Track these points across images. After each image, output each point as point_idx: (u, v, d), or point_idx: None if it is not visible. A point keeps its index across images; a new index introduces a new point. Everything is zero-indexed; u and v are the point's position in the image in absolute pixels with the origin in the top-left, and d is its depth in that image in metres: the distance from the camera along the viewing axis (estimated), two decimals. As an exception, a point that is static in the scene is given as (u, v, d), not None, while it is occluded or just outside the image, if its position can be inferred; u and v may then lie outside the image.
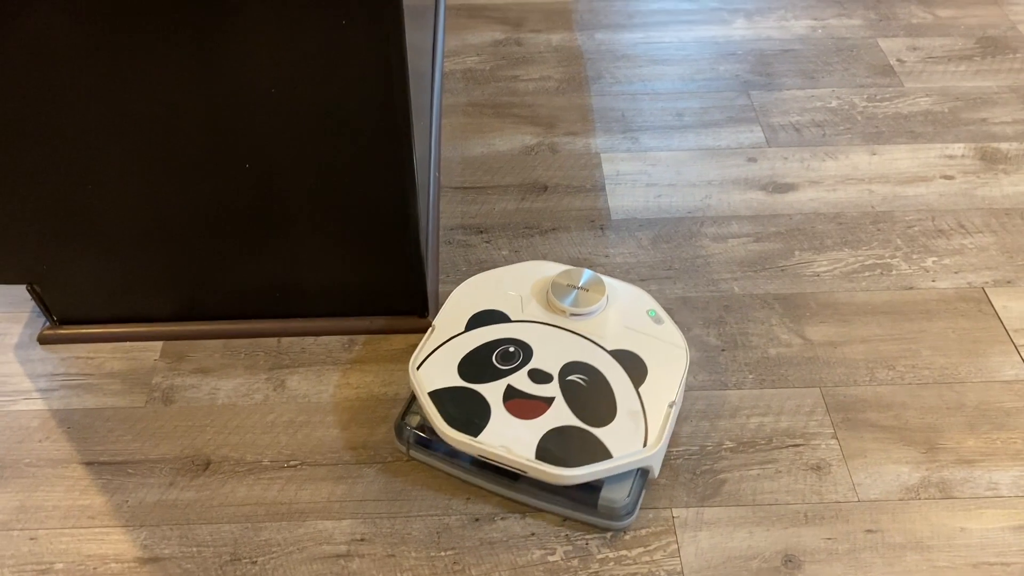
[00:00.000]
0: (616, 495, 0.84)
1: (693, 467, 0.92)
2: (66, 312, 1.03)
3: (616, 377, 0.89)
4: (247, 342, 1.05)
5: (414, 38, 1.02)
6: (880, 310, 1.08)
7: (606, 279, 0.98)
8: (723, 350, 1.04)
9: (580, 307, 0.94)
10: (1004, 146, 1.32)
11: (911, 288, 1.11)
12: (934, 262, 1.14)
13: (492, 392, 0.87)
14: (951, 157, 1.30)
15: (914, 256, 1.15)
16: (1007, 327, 1.06)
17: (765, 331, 1.06)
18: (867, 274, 1.12)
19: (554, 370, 0.89)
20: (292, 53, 0.79)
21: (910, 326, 1.06)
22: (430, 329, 0.94)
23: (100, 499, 0.90)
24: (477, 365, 0.90)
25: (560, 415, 0.85)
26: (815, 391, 0.99)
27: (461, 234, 1.18)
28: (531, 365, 0.90)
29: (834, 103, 1.40)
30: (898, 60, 1.49)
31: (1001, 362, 1.02)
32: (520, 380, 0.88)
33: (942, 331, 1.06)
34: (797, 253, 1.15)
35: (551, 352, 0.91)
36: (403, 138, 0.86)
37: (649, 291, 1.10)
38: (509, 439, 0.84)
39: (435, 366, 0.90)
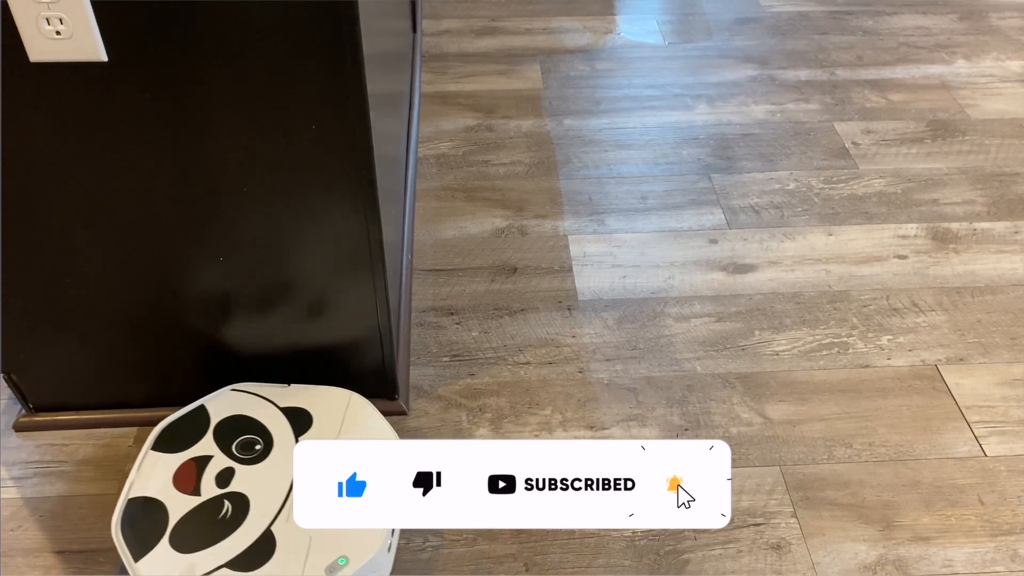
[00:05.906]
0: None
1: (657, 548, 0.94)
2: (42, 400, 1.05)
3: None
4: (220, 427, 1.06)
5: (387, 126, 1.07)
6: (838, 388, 1.12)
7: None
8: (686, 429, 1.06)
9: None
10: (955, 226, 1.37)
11: (867, 366, 1.14)
12: (889, 340, 1.18)
13: (202, 449, 0.91)
14: (904, 237, 1.35)
15: (870, 335, 1.19)
16: (960, 404, 1.10)
17: (727, 410, 1.09)
18: (825, 353, 1.16)
19: (235, 487, 0.88)
20: (264, 154, 0.83)
21: (867, 404, 1.10)
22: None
23: (70, 588, 0.91)
24: (232, 427, 0.93)
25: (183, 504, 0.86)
26: (775, 470, 1.02)
27: (432, 316, 1.22)
28: (237, 467, 0.90)
29: (792, 185, 1.46)
30: (853, 143, 1.55)
31: (954, 439, 1.06)
32: (216, 463, 0.90)
33: (897, 408, 1.09)
34: (757, 332, 1.19)
35: (265, 482, 0.88)
36: (372, 232, 0.90)
37: (614, 371, 1.13)
38: (157, 481, 0.88)
39: (226, 397, 0.97)
